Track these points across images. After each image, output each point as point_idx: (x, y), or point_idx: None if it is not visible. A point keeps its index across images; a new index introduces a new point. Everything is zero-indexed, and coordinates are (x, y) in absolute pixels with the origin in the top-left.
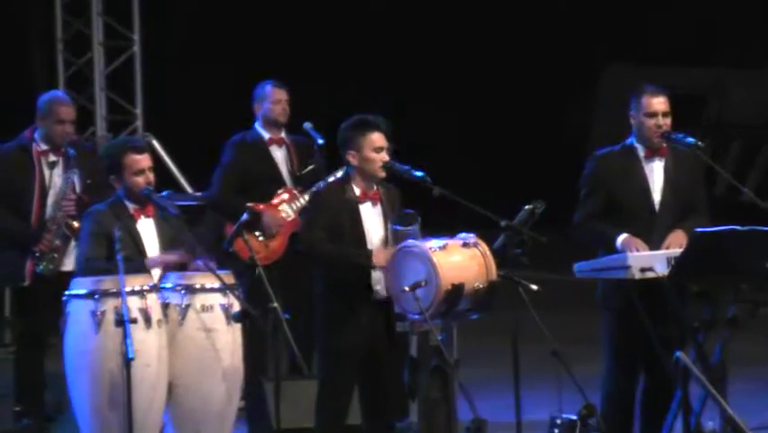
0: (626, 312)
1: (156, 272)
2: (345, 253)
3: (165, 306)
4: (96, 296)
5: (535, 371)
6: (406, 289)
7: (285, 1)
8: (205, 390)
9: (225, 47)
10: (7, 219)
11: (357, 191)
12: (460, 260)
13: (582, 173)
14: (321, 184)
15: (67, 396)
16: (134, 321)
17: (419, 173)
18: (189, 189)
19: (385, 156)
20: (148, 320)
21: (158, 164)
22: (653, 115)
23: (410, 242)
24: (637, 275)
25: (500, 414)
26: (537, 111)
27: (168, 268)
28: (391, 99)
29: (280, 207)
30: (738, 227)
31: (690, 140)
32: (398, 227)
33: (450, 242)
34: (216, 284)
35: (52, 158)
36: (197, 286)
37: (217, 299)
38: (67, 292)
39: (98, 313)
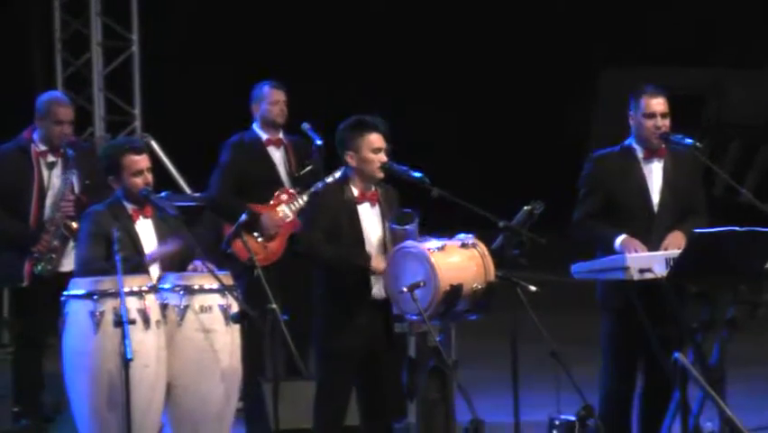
0: (624, 313)
1: (155, 273)
2: (344, 255)
3: (164, 306)
4: (95, 296)
5: (534, 371)
6: (405, 290)
7: (283, 1)
8: (204, 390)
9: (224, 47)
10: (6, 220)
11: (355, 192)
12: (458, 261)
13: (581, 174)
14: (319, 185)
15: (65, 396)
16: (133, 322)
17: (417, 174)
18: (188, 190)
19: (383, 157)
20: (146, 321)
21: (156, 165)
22: (652, 115)
23: (408, 243)
24: (636, 276)
25: (499, 415)
26: (536, 111)
27: (167, 264)
28: (390, 99)
29: (279, 208)
30: (737, 228)
31: (689, 141)
32: (396, 226)
33: (448, 242)
34: (215, 285)
35: (51, 159)
36: (196, 287)
37: (216, 300)
38: (65, 293)
39: (97, 314)
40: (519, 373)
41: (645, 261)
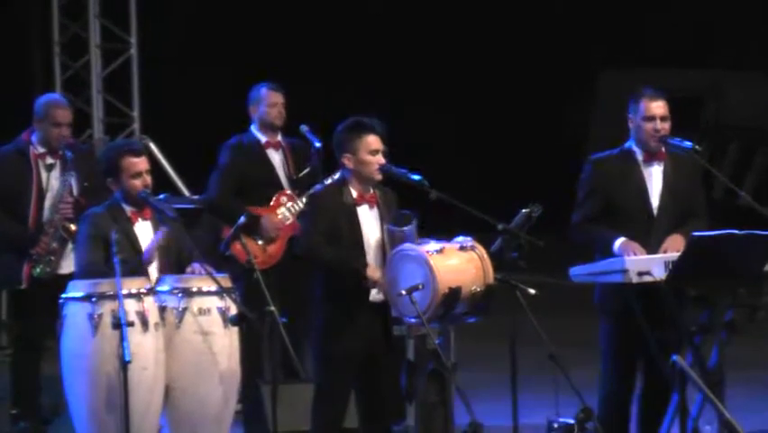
0: (623, 316)
1: (153, 275)
2: (344, 258)
3: (162, 309)
4: (93, 299)
5: (533, 374)
6: (403, 292)
7: (282, 3)
8: (202, 393)
9: (222, 49)
10: (4, 222)
11: (354, 194)
12: (457, 263)
13: (580, 176)
14: (318, 187)
15: (63, 399)
16: (131, 324)
17: (416, 176)
18: (186, 192)
19: (381, 159)
20: (145, 323)
21: (155, 167)
22: (651, 118)
23: (407, 245)
24: (635, 279)
25: (497, 418)
26: (535, 113)
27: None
28: (388, 101)
29: (278, 211)
30: (736, 231)
31: (688, 144)
32: (395, 228)
33: (447, 245)
34: (213, 287)
35: (50, 161)
36: (194, 289)
37: (214, 303)
38: (63, 295)
39: (95, 316)
40: (518, 376)
41: (644, 264)
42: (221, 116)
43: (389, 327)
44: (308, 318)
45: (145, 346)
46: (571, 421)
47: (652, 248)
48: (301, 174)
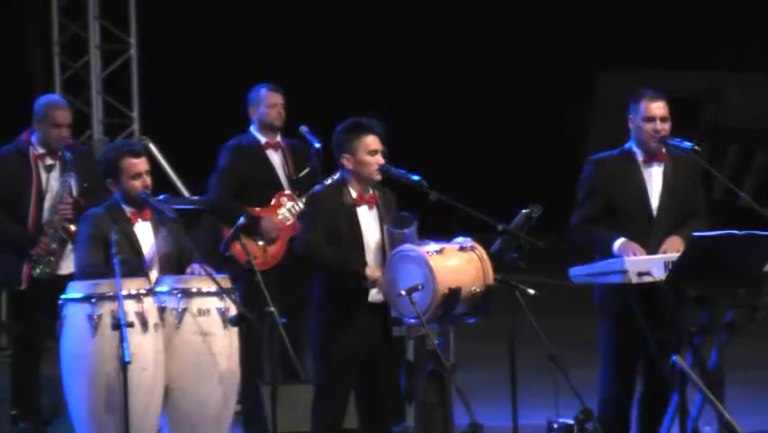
0: (623, 316)
1: (153, 275)
2: (344, 258)
3: (162, 309)
4: (93, 300)
5: (532, 375)
6: (403, 293)
7: (281, 4)
8: (202, 393)
9: (222, 50)
10: (4, 222)
11: (353, 194)
12: (457, 264)
13: (580, 177)
14: (318, 188)
15: (63, 400)
16: (131, 325)
17: (416, 177)
18: (186, 193)
19: (380, 159)
20: (144, 324)
21: (154, 168)
22: (652, 119)
23: (407, 246)
24: (634, 280)
25: (497, 418)
26: (534, 115)
27: (165, 266)
28: (388, 103)
29: (279, 212)
30: (736, 232)
31: (688, 144)
32: (395, 230)
33: (447, 246)
34: (213, 288)
35: (49, 161)
36: (194, 290)
37: (214, 303)
38: (63, 296)
39: (95, 317)
40: (518, 377)
41: (644, 264)
42: (220, 117)
43: (389, 328)
44: (308, 319)
45: (145, 347)
46: (571, 422)
47: (651, 249)
48: (301, 175)
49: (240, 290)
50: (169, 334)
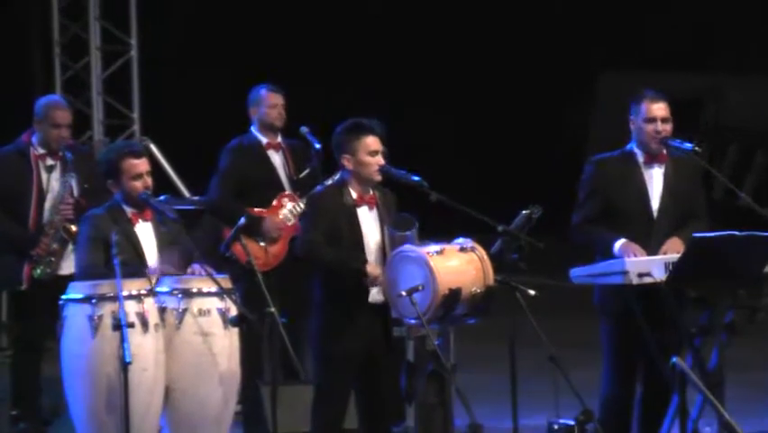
0: (623, 317)
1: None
2: (344, 258)
3: (162, 310)
4: (93, 300)
5: (533, 376)
6: (404, 293)
7: (281, 4)
8: (202, 394)
9: (222, 51)
10: (4, 223)
11: (353, 195)
12: (457, 264)
13: (581, 177)
14: (318, 188)
15: (63, 400)
16: (131, 325)
17: (416, 178)
18: (187, 194)
19: (380, 159)
20: (145, 324)
21: (155, 168)
22: (652, 120)
23: (407, 246)
24: (635, 280)
25: (497, 419)
26: (534, 115)
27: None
28: (388, 102)
29: (280, 212)
30: (736, 233)
31: (688, 145)
32: (396, 232)
33: (447, 246)
34: (213, 288)
35: (50, 162)
36: (194, 290)
37: (214, 304)
38: (64, 296)
39: (95, 317)
40: (518, 378)
41: (644, 265)
42: (221, 118)
43: (389, 328)
44: (309, 319)
45: (145, 347)
46: (572, 423)
47: (652, 249)
48: (301, 175)
49: (240, 290)
50: (169, 334)
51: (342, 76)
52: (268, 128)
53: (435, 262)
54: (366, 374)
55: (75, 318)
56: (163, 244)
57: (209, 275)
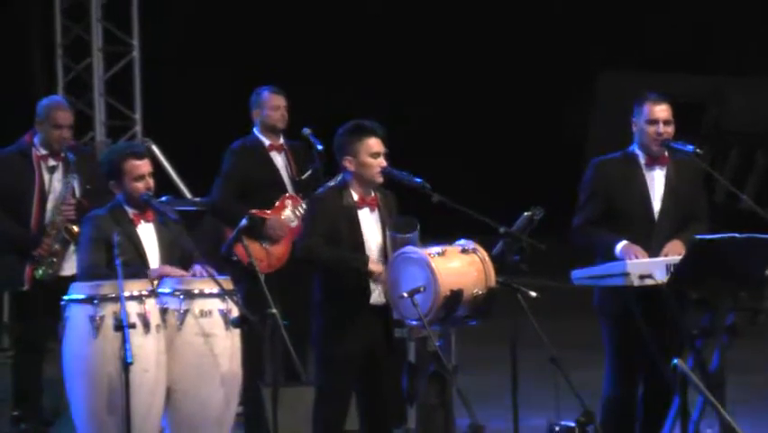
0: (623, 318)
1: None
2: (343, 258)
3: (163, 311)
4: (95, 301)
5: (534, 377)
6: (405, 295)
7: (281, 4)
8: (204, 395)
9: (223, 51)
10: (6, 223)
11: (354, 197)
12: (458, 266)
13: (582, 179)
14: (320, 190)
15: (65, 401)
16: (133, 326)
17: (418, 179)
18: (188, 195)
19: (382, 161)
20: (146, 325)
21: (157, 169)
22: (655, 122)
23: (409, 248)
24: (636, 282)
25: (498, 420)
26: (534, 116)
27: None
28: (388, 103)
29: (283, 213)
30: (737, 235)
31: (690, 148)
32: (398, 235)
33: (448, 248)
34: (215, 289)
35: (52, 162)
36: (196, 291)
37: (216, 305)
38: (65, 297)
39: (97, 318)
40: (519, 379)
41: (646, 267)
42: (222, 119)
43: (390, 330)
44: (310, 320)
45: (146, 348)
46: (572, 424)
47: (653, 251)
48: (304, 176)
49: (242, 291)
50: (170, 335)
51: (342, 76)
52: (270, 130)
53: (437, 264)
54: (367, 376)
55: (76, 319)
56: (165, 245)
57: (211, 276)
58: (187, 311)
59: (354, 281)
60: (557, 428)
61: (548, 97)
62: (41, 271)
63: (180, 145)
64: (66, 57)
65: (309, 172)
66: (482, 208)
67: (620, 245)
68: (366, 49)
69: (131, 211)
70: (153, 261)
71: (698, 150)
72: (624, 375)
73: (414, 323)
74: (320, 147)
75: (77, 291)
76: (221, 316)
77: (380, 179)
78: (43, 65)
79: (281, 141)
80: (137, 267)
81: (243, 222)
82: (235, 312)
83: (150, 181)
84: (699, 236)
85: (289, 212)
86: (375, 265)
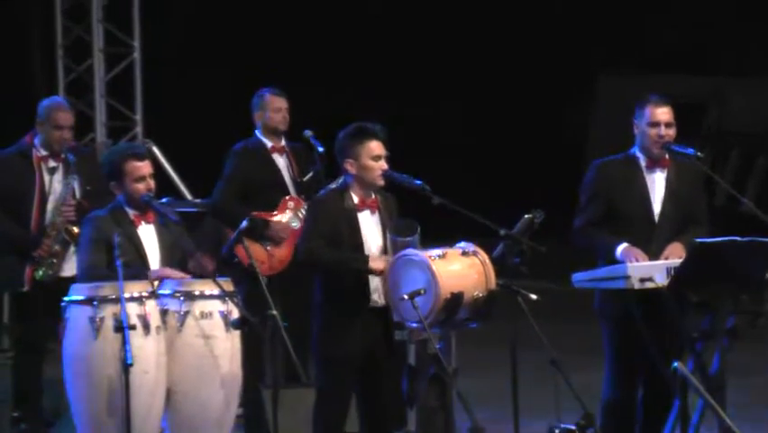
0: (623, 321)
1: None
2: (343, 259)
3: (164, 312)
4: (95, 302)
5: (534, 380)
6: (405, 297)
7: (281, 4)
8: (204, 396)
9: (224, 53)
10: (6, 224)
11: (355, 199)
12: (459, 268)
13: (583, 180)
14: (320, 193)
15: (65, 402)
16: (133, 327)
17: (418, 182)
18: (189, 196)
19: (383, 164)
20: (146, 327)
21: (158, 171)
22: (656, 124)
23: (409, 250)
24: (637, 285)
25: (499, 423)
26: (535, 117)
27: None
28: (388, 103)
29: (285, 215)
30: (738, 238)
31: (690, 151)
32: (398, 238)
33: (449, 250)
34: (215, 291)
35: (52, 163)
36: (196, 293)
37: (216, 306)
38: (66, 298)
39: (97, 319)
40: (519, 382)
41: (646, 270)
42: (223, 120)
43: (390, 332)
44: (310, 322)
45: (147, 350)
46: (573, 427)
47: (653, 254)
48: (305, 178)
49: (242, 293)
50: (171, 336)
51: (342, 76)
52: (272, 132)
53: (437, 266)
54: (367, 378)
55: (77, 320)
56: (165, 246)
57: (211, 276)
58: (187, 313)
59: (354, 283)
60: (557, 431)
61: (549, 99)
62: (41, 272)
63: (181, 146)
64: (66, 58)
65: (310, 174)
66: (483, 211)
67: (621, 248)
68: (367, 50)
69: (131, 212)
70: (154, 262)
71: (698, 153)
72: (624, 378)
73: (414, 325)
74: (321, 149)
75: (77, 292)
76: (221, 317)
77: (381, 182)
78: (44, 66)
79: (283, 143)
80: (137, 268)
81: (244, 223)
82: (236, 314)
83: (151, 182)
84: (699, 239)
85: (292, 214)
86: (376, 262)
